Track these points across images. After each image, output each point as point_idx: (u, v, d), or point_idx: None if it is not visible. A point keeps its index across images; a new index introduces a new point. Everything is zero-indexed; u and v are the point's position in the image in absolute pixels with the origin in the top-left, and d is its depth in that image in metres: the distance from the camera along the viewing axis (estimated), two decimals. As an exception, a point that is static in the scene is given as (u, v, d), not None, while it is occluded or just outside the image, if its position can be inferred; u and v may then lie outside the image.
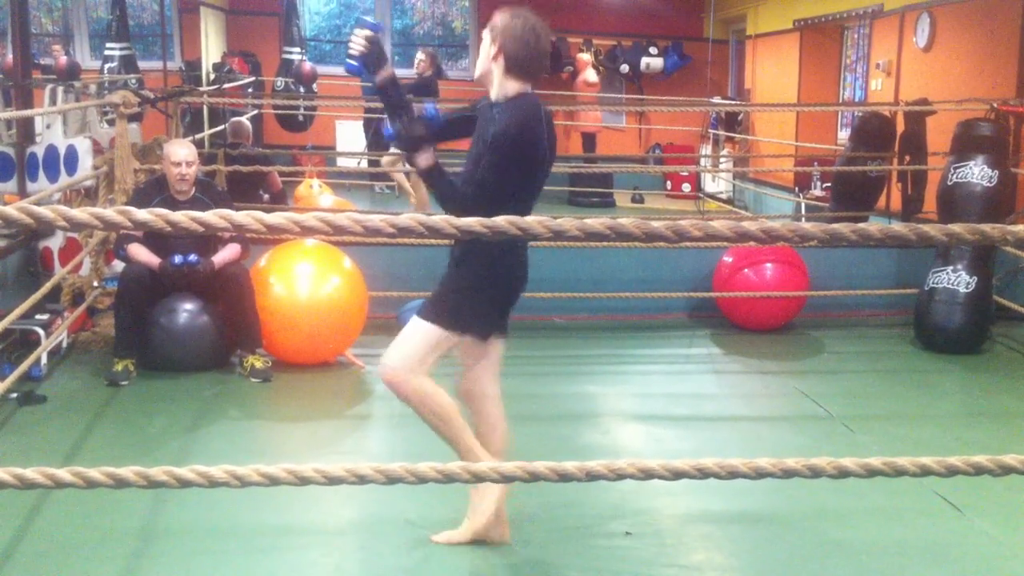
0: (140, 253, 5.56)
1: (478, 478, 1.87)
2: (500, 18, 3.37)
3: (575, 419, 5.19)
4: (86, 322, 6.10)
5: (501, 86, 3.37)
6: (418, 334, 3.42)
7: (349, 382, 5.73)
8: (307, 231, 1.68)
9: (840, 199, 9.03)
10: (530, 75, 3.39)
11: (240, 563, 3.52)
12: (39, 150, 6.46)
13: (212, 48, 13.33)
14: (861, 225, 1.76)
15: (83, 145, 6.67)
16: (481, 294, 3.43)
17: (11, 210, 1.61)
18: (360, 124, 13.46)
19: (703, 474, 1.87)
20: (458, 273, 3.46)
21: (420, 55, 11.36)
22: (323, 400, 5.44)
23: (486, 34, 3.40)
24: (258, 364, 5.59)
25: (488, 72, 3.39)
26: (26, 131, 6.60)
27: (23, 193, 6.27)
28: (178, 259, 5.51)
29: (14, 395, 4.98)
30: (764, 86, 13.34)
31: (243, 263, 5.77)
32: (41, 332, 5.48)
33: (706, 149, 14.49)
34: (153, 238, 5.56)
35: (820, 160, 11.21)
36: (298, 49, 13.88)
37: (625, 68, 15.15)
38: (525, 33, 3.32)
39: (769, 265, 6.85)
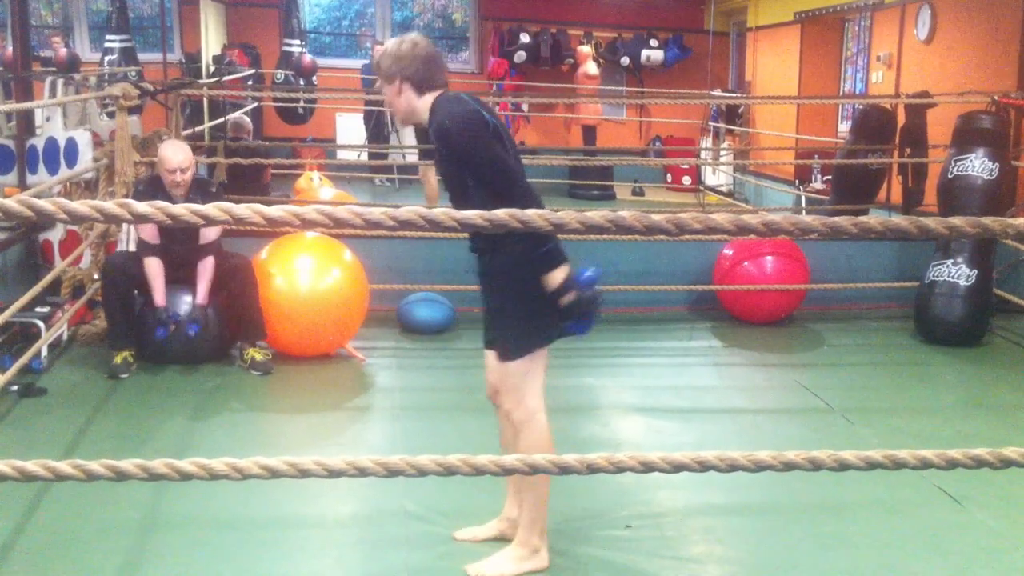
0: (152, 267, 5.48)
1: (478, 471, 1.86)
2: (381, 59, 3.30)
3: (575, 411, 5.19)
4: (86, 315, 6.10)
5: (425, 108, 3.27)
6: (515, 373, 3.33)
7: (349, 375, 5.73)
8: (308, 224, 1.68)
9: (841, 192, 9.02)
10: (437, 82, 3.27)
11: (240, 555, 3.53)
12: (39, 142, 6.45)
13: (212, 40, 13.28)
14: (862, 218, 1.75)
15: (83, 138, 6.66)
16: (536, 304, 3.27)
17: (11, 203, 1.61)
18: (360, 117, 13.45)
19: (703, 467, 1.86)
20: (505, 293, 3.31)
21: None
22: (323, 393, 5.45)
23: (382, 84, 3.33)
24: (258, 356, 5.59)
25: (411, 110, 3.29)
26: (26, 123, 6.59)
27: (23, 186, 6.26)
28: (160, 332, 5.43)
29: (15, 387, 4.99)
30: (765, 79, 13.33)
31: (246, 256, 5.75)
32: (41, 325, 5.48)
33: (706, 142, 14.48)
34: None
35: (821, 153, 11.20)
36: (298, 41, 13.86)
37: (625, 60, 15.12)
38: (402, 49, 3.25)
39: (769, 258, 6.85)
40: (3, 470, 1.76)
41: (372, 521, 3.81)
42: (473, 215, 1.70)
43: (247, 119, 9.54)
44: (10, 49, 7.44)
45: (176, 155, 5.51)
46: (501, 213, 1.69)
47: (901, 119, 8.26)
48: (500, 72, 14.69)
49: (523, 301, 3.27)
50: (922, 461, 1.90)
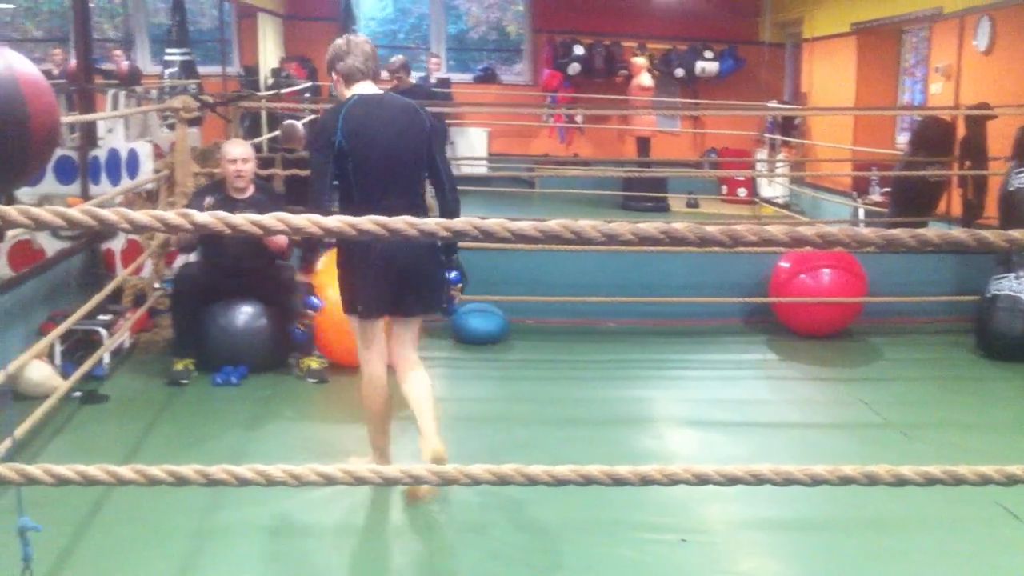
0: None
1: (531, 481, 1.87)
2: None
3: (627, 423, 5.17)
4: (147, 323, 6.20)
5: None
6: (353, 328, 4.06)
7: (402, 384, 5.76)
8: (363, 234, 1.70)
9: (899, 204, 8.90)
10: (355, 74, 3.81)
11: (294, 560, 3.56)
12: (101, 154, 6.57)
13: (270, 54, 13.47)
14: (920, 231, 1.73)
15: (144, 149, 6.78)
16: (348, 279, 3.93)
17: (75, 212, 1.64)
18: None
19: (758, 480, 1.85)
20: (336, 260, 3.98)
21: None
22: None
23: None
24: (315, 365, 5.66)
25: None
26: (89, 135, 6.71)
27: (86, 196, 6.38)
28: (218, 379, 5.56)
29: (77, 394, 5.09)
30: (821, 90, 13.19)
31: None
32: (104, 332, 5.58)
33: (762, 153, 14.36)
34: (211, 238, 5.65)
35: (878, 165, 11.05)
36: (354, 54, 13.98)
37: (680, 72, 15.06)
38: (338, 47, 3.82)
39: (826, 271, 6.77)
40: (66, 474, 1.80)
41: (426, 529, 3.82)
42: (527, 226, 1.71)
43: (299, 127, 9.33)
44: (73, 62, 7.59)
45: (236, 148, 5.83)
46: (553, 224, 1.70)
47: (961, 131, 8.13)
48: (554, 84, 14.71)
49: (342, 276, 4.02)
50: (982, 477, 1.87)
